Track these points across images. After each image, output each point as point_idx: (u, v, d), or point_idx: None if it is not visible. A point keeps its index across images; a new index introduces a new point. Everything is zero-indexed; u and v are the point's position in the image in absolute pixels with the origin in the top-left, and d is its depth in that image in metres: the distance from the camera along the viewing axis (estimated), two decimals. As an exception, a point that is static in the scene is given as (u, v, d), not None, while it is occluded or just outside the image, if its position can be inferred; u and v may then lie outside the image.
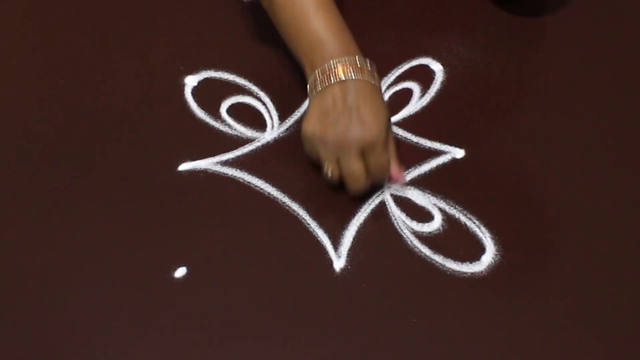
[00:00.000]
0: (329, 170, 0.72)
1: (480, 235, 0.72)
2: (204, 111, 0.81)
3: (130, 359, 0.66)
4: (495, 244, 0.71)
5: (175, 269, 0.70)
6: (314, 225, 0.73)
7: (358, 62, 0.72)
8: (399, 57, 0.84)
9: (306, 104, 0.81)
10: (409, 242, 0.72)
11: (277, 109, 0.81)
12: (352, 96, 0.71)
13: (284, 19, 0.76)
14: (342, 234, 0.72)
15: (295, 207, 0.74)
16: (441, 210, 0.74)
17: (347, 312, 0.68)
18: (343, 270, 0.70)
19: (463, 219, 0.73)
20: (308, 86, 0.74)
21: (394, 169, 0.74)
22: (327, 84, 0.72)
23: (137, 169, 0.77)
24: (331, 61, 0.72)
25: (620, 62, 0.84)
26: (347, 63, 0.72)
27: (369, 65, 0.73)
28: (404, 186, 0.74)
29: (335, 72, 0.72)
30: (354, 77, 0.71)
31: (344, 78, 0.71)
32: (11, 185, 0.76)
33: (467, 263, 0.70)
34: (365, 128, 0.70)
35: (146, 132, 0.80)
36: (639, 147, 0.78)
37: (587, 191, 0.75)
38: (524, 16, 0.89)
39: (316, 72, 0.73)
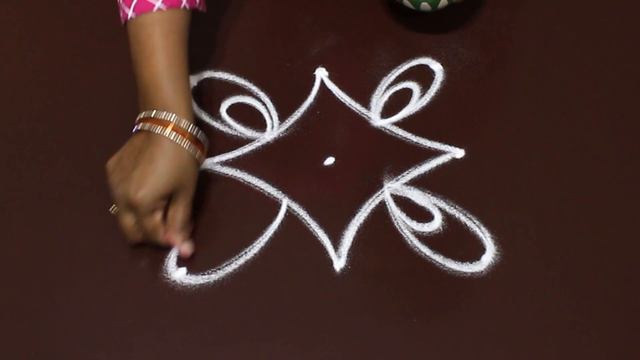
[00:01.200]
0: (112, 210, 0.72)
1: (480, 235, 0.72)
2: (204, 111, 0.81)
3: (130, 359, 0.67)
4: (495, 244, 0.71)
5: (175, 270, 0.71)
6: (314, 225, 0.73)
7: (181, 124, 0.69)
8: (399, 57, 0.84)
9: (306, 104, 0.81)
10: (409, 242, 0.72)
11: (277, 109, 0.81)
12: (147, 152, 0.69)
13: (133, 52, 0.73)
14: (342, 234, 0.72)
15: (295, 207, 0.74)
16: (441, 210, 0.74)
17: (347, 312, 0.68)
18: (343, 270, 0.70)
19: (463, 219, 0.73)
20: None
21: (173, 237, 0.70)
22: (139, 128, 0.70)
23: (137, 169, 0.77)
24: (155, 111, 0.70)
25: (621, 63, 0.84)
26: (168, 119, 0.69)
27: (192, 131, 0.70)
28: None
29: (152, 122, 0.69)
30: (161, 133, 0.69)
31: (154, 132, 0.69)
32: (10, 185, 0.76)
33: (467, 263, 0.70)
34: (133, 188, 0.67)
35: (146, 132, 0.80)
36: (639, 146, 0.78)
37: (587, 190, 0.75)
38: (524, 16, 0.89)
39: (142, 113, 0.71)
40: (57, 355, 0.67)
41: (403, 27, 0.87)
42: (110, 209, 0.72)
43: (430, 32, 0.87)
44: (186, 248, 0.71)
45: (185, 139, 0.70)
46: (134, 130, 0.72)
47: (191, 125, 0.70)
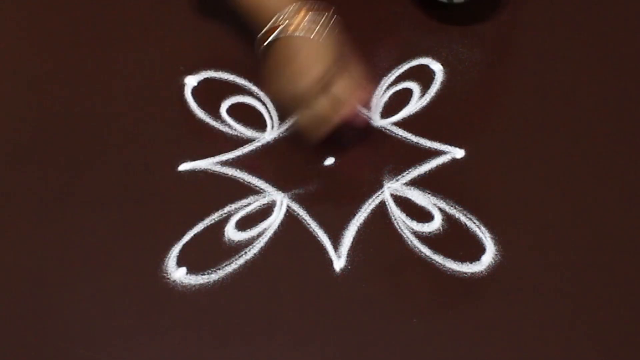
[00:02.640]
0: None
1: (480, 235, 0.72)
2: (204, 111, 0.81)
3: (130, 359, 0.67)
4: (495, 244, 0.71)
5: (175, 270, 0.71)
6: (314, 225, 0.73)
7: (295, 14, 0.72)
8: (399, 57, 0.84)
9: (306, 104, 0.82)
10: (409, 242, 0.72)
11: (277, 109, 0.81)
12: (289, 52, 0.72)
13: None
14: (342, 234, 0.72)
15: (295, 207, 0.74)
16: (441, 210, 0.74)
17: (347, 312, 0.68)
18: (343, 270, 0.70)
19: (463, 219, 0.73)
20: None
21: (353, 104, 0.73)
22: (268, 41, 0.73)
23: (137, 169, 0.77)
24: (272, 20, 0.72)
25: (621, 63, 0.84)
26: (285, 18, 0.72)
27: (313, 16, 0.73)
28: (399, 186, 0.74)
29: (274, 28, 0.72)
30: (293, 29, 0.72)
31: (284, 31, 0.72)
32: (11, 184, 0.76)
33: (467, 263, 0.70)
34: (290, 86, 0.71)
35: (146, 132, 0.80)
36: (639, 146, 0.78)
37: (587, 190, 0.75)
38: (524, 16, 0.89)
39: (262, 31, 0.74)
40: (57, 355, 0.67)
41: (403, 27, 0.87)
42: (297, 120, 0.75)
43: (430, 32, 0.87)
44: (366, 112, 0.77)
45: (310, 24, 0.72)
46: (262, 47, 0.74)
47: (310, 12, 0.72)
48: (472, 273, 0.70)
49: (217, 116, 0.81)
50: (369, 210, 0.74)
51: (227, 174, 0.77)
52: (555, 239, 0.72)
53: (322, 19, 0.73)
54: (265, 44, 0.73)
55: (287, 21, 0.72)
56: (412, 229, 0.73)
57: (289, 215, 0.74)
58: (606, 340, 0.67)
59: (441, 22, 0.88)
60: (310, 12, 0.73)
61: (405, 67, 0.84)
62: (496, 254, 0.71)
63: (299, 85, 0.71)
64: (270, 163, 0.77)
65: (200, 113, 0.81)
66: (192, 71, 0.84)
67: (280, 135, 0.79)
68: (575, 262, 0.70)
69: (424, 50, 0.85)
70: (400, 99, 0.81)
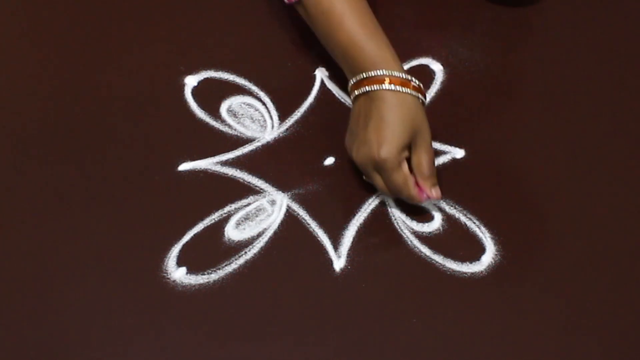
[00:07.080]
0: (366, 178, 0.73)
1: (480, 235, 0.72)
2: (204, 111, 0.81)
3: (130, 359, 0.67)
4: (495, 244, 0.71)
5: (175, 270, 0.71)
6: (314, 225, 0.73)
7: (395, 75, 0.69)
8: (399, 57, 0.84)
9: (306, 103, 0.81)
10: (409, 242, 0.72)
11: (277, 109, 0.81)
12: (373, 112, 0.69)
13: (319, 24, 0.74)
14: (342, 234, 0.72)
15: (295, 207, 0.74)
16: (441, 210, 0.74)
17: (347, 312, 0.68)
18: (343, 270, 0.70)
19: (463, 219, 0.73)
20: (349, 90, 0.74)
21: (423, 184, 0.70)
22: (356, 94, 0.71)
23: (137, 169, 0.77)
24: (362, 74, 0.70)
25: (620, 63, 0.84)
26: (382, 74, 0.69)
27: (403, 76, 0.70)
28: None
29: (366, 83, 0.70)
30: (380, 88, 0.69)
31: (369, 90, 0.70)
32: (11, 184, 0.76)
33: (467, 263, 0.70)
34: (374, 149, 0.68)
35: (146, 132, 0.80)
36: (639, 147, 0.78)
37: (586, 191, 0.75)
38: (524, 16, 0.89)
39: (352, 80, 0.72)
40: (57, 355, 0.67)
41: (403, 27, 0.87)
42: (364, 177, 0.74)
43: (430, 32, 0.87)
44: (437, 193, 0.71)
45: (404, 87, 0.69)
46: (352, 98, 0.73)
47: (404, 74, 0.70)
48: (472, 273, 0.70)
49: (217, 116, 0.81)
50: (369, 210, 0.74)
51: (227, 174, 0.77)
52: (555, 239, 0.72)
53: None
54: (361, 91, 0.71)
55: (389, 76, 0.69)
56: (412, 229, 0.73)
57: (289, 215, 0.74)
58: (606, 340, 0.66)
59: (441, 22, 0.88)
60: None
61: (405, 67, 0.84)
62: (496, 254, 0.71)
63: (376, 153, 0.68)
64: (270, 163, 0.77)
65: (200, 113, 0.81)
66: (192, 71, 0.84)
67: (280, 135, 0.79)
68: (575, 262, 0.70)
69: (424, 50, 0.85)
70: (400, 99, 0.81)
